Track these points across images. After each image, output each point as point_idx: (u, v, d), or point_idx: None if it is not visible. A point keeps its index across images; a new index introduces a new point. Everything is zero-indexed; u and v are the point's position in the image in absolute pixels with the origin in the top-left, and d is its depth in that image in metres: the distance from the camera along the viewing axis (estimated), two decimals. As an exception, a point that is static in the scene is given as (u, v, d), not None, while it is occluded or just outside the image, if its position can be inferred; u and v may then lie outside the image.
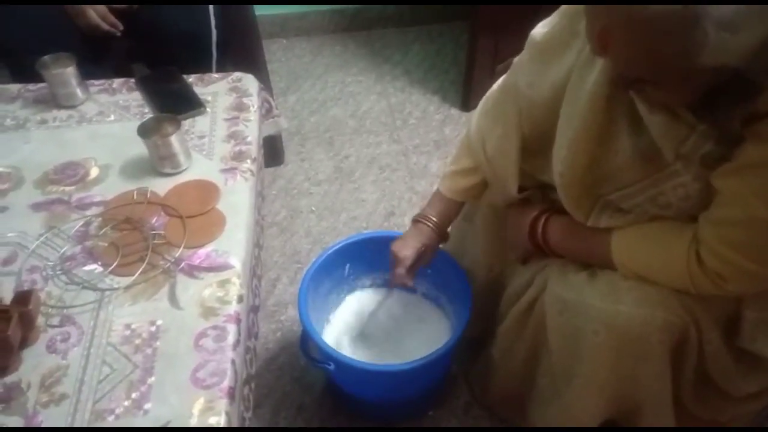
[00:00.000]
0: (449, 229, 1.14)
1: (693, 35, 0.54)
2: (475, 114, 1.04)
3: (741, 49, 0.55)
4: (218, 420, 0.74)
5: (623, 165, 0.79)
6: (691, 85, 0.64)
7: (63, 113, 1.23)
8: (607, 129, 0.78)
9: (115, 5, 1.37)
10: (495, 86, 1.01)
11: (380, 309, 1.25)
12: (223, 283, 0.90)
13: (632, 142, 0.77)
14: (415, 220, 1.10)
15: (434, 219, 1.08)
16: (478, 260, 1.17)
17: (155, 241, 0.95)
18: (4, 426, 0.75)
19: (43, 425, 0.75)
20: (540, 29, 0.87)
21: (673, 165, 0.75)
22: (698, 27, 0.53)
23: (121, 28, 1.39)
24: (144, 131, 1.05)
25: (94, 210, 1.02)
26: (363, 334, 1.27)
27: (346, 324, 1.29)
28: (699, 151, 0.71)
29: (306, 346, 1.14)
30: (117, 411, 0.76)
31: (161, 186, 1.05)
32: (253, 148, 1.14)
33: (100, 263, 0.93)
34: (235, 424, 0.78)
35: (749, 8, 0.52)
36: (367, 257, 1.26)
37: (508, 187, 0.97)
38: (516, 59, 0.94)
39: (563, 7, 0.83)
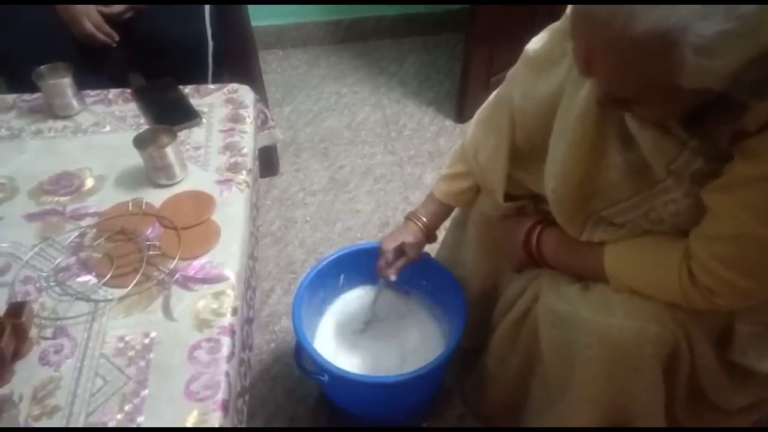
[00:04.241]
0: (442, 238, 1.15)
1: (672, 58, 0.56)
2: (472, 123, 1.05)
3: (719, 73, 0.56)
4: (212, 433, 0.74)
5: (615, 180, 0.80)
6: (676, 104, 0.65)
7: (58, 123, 1.22)
8: (598, 145, 0.79)
9: (107, 12, 1.37)
10: (491, 97, 1.02)
11: (376, 302, 1.24)
12: (218, 295, 0.89)
13: (624, 158, 0.78)
14: (406, 217, 1.14)
15: (423, 219, 1.11)
16: (472, 269, 1.18)
17: (150, 253, 0.95)
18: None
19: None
20: (533, 45, 0.88)
21: (664, 181, 0.76)
22: (676, 51, 0.55)
23: (117, 38, 1.40)
24: (140, 142, 1.05)
25: (89, 221, 1.02)
26: (357, 344, 1.26)
27: (339, 332, 1.29)
28: (689, 168, 0.72)
29: (300, 358, 1.14)
30: (110, 424, 0.75)
31: (156, 197, 1.05)
32: (249, 159, 1.14)
33: (94, 274, 0.93)
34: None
35: (725, 35, 0.53)
36: (362, 268, 1.26)
37: (495, 196, 0.98)
38: (511, 71, 0.95)
39: (554, 24, 0.85)
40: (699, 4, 0.53)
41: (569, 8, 0.79)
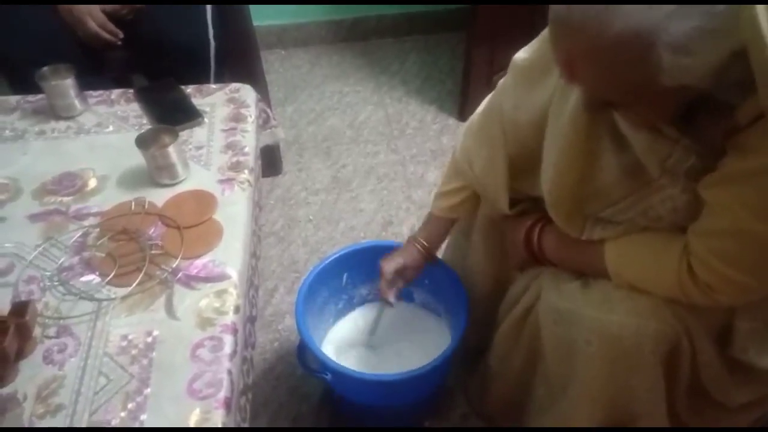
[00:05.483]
0: (447, 241, 1.15)
1: (649, 59, 0.56)
2: (461, 136, 1.05)
3: (698, 71, 0.57)
4: (214, 431, 0.74)
5: (610, 182, 0.80)
6: (660, 105, 0.66)
7: (61, 124, 1.23)
8: (591, 147, 0.79)
9: (110, 7, 1.38)
10: (480, 108, 1.02)
11: (379, 321, 1.24)
12: (220, 294, 0.90)
13: (617, 159, 0.79)
14: (407, 241, 1.14)
15: (424, 243, 1.12)
16: (479, 273, 1.17)
17: (152, 252, 0.95)
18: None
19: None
20: (522, 54, 0.88)
21: (659, 179, 0.76)
22: (653, 51, 0.55)
23: (121, 35, 1.40)
24: (142, 142, 1.06)
25: (92, 221, 1.02)
26: (362, 345, 1.27)
27: (345, 336, 1.29)
28: (683, 165, 0.72)
29: (303, 356, 1.14)
30: (113, 422, 0.75)
31: (159, 196, 1.06)
32: (251, 158, 1.15)
33: (97, 274, 0.93)
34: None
35: (700, 32, 0.54)
36: (365, 266, 1.26)
37: (499, 205, 0.98)
38: (500, 81, 0.95)
39: (544, 32, 0.85)
40: (672, 4, 0.53)
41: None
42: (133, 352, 0.83)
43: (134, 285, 0.90)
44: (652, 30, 0.54)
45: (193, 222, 1.00)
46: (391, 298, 1.13)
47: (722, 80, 0.59)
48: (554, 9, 0.61)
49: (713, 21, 0.54)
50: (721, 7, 0.53)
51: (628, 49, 0.56)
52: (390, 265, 1.11)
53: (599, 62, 0.60)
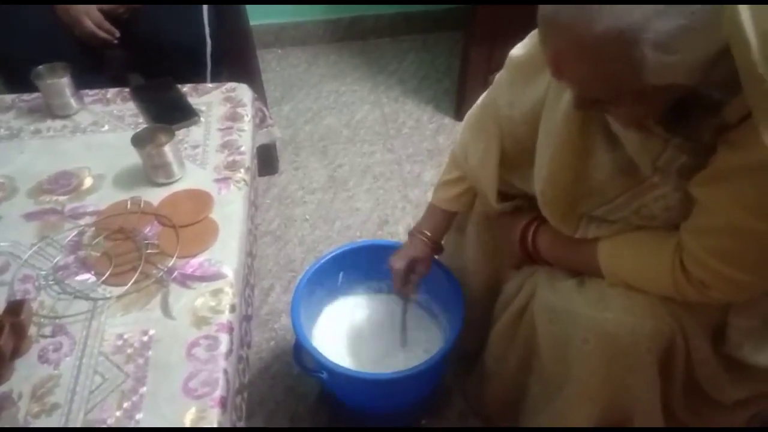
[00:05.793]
0: (443, 242, 1.15)
1: (633, 57, 0.57)
2: (461, 128, 1.06)
3: (682, 68, 0.58)
4: (210, 430, 0.74)
5: (604, 180, 0.81)
6: (648, 103, 0.66)
7: (57, 123, 1.23)
8: (584, 146, 0.80)
9: (107, 6, 1.38)
10: (479, 101, 1.03)
11: (405, 318, 1.23)
12: (216, 293, 0.90)
13: (610, 158, 0.79)
14: (410, 234, 1.13)
15: (427, 233, 1.11)
16: (473, 271, 1.17)
17: (148, 251, 0.95)
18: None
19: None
20: (517, 50, 0.89)
21: (652, 178, 0.76)
22: (637, 49, 0.56)
23: (118, 34, 1.40)
24: (138, 141, 1.06)
25: (88, 219, 1.02)
26: (357, 343, 1.26)
27: (338, 331, 1.29)
28: (675, 163, 0.73)
29: (299, 355, 1.14)
30: (109, 421, 0.75)
31: (155, 196, 1.06)
32: (247, 157, 1.15)
33: (92, 273, 0.93)
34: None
35: (684, 30, 0.55)
36: (361, 265, 1.26)
37: (489, 199, 0.99)
38: (496, 77, 0.95)
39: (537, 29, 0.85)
40: (656, 4, 0.54)
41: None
42: (129, 351, 0.83)
43: (130, 284, 0.90)
44: (637, 28, 0.55)
45: (189, 221, 1.00)
46: (413, 295, 1.12)
47: (709, 78, 0.59)
48: (542, 8, 0.62)
49: (694, 19, 0.54)
50: (700, 5, 0.54)
51: (613, 47, 0.57)
52: (400, 262, 1.10)
53: (585, 60, 0.61)
